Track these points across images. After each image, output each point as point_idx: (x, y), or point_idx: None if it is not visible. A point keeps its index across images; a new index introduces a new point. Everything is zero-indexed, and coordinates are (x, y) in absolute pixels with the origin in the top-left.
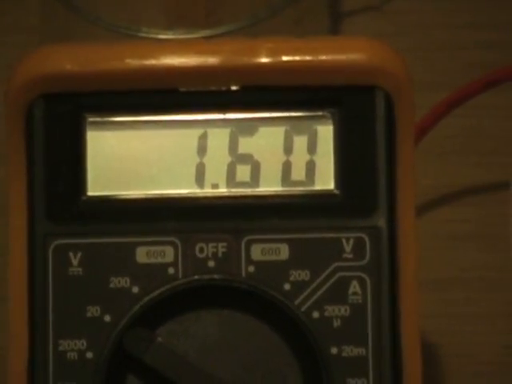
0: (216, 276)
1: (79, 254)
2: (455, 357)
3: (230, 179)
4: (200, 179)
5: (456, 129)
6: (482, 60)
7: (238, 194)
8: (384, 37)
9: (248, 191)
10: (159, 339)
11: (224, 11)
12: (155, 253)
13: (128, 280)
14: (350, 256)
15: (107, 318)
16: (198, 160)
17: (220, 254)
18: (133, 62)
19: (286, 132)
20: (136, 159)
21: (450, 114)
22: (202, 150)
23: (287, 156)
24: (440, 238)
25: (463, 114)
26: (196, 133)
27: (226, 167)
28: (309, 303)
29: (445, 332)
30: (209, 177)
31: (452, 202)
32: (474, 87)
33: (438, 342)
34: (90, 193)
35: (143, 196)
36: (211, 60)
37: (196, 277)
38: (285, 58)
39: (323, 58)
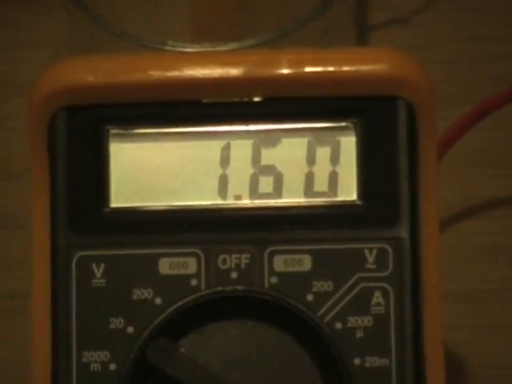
0: (239, 287)
1: (102, 266)
2: (482, 368)
3: (253, 191)
4: (223, 191)
5: (481, 141)
6: (506, 72)
7: (261, 205)
8: (410, 49)
9: (271, 202)
10: (182, 350)
11: (250, 24)
12: (178, 264)
13: (151, 291)
14: (373, 267)
15: (130, 330)
16: (220, 171)
17: (243, 266)
18: (155, 74)
19: (309, 143)
20: (159, 171)
21: (475, 127)
22: (224, 161)
23: (310, 167)
24: (465, 251)
25: (488, 127)
26: (219, 144)
27: (248, 178)
28: (332, 314)
29: (472, 343)
30: (232, 188)
31: (477, 215)
32: (498, 99)
33: (465, 353)
34: (113, 204)
35: (166, 207)
36: (234, 71)
37: (219, 288)
38: (307, 69)
39: (345, 68)
